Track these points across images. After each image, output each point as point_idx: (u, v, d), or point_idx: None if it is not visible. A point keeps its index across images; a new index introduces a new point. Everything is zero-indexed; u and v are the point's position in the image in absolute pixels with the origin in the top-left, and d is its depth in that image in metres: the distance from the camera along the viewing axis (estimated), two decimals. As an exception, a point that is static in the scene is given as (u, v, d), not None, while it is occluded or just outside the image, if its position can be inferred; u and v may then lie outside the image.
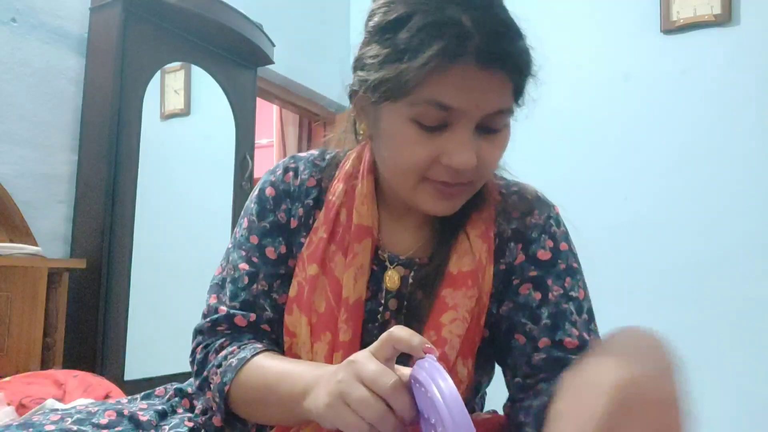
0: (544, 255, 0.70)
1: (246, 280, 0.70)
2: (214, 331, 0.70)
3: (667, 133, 2.45)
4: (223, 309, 0.70)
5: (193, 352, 0.70)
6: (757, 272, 2.23)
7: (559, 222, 0.74)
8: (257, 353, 0.65)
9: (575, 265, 0.71)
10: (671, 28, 2.47)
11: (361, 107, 0.67)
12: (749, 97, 2.32)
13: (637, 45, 2.55)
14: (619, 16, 2.60)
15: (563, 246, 0.71)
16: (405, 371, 0.50)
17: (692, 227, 2.35)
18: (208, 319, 0.70)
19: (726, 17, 2.37)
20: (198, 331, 0.71)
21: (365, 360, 0.49)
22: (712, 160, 2.36)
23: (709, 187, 2.35)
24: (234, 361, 0.65)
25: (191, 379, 0.79)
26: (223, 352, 0.67)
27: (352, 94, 0.66)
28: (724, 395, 2.22)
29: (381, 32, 0.60)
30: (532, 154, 2.68)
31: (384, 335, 0.50)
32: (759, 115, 2.30)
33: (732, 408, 2.20)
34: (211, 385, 0.66)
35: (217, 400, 0.65)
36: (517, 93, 0.62)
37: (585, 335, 0.66)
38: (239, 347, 0.67)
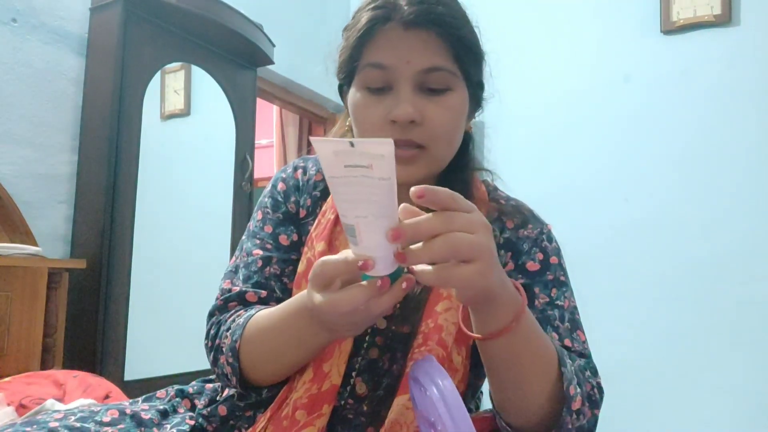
0: (533, 266, 0.73)
1: (259, 263, 0.75)
2: (226, 308, 0.74)
3: (667, 133, 2.46)
4: (236, 288, 0.74)
5: (208, 333, 0.73)
6: (758, 273, 2.23)
7: (551, 238, 0.77)
8: (261, 310, 0.68)
9: (563, 278, 0.74)
10: (671, 29, 2.47)
11: (345, 102, 0.76)
12: (749, 98, 2.32)
13: (637, 46, 2.55)
14: (619, 17, 2.60)
15: (553, 260, 0.74)
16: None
17: (693, 228, 2.35)
18: (221, 298, 0.74)
19: (726, 17, 2.37)
20: (211, 314, 0.74)
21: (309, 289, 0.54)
22: (713, 160, 2.36)
23: (710, 188, 2.35)
24: (241, 320, 0.68)
25: (193, 381, 0.80)
26: (232, 317, 0.71)
27: (339, 92, 0.78)
28: (724, 396, 2.22)
29: (346, 29, 0.73)
30: (532, 155, 2.69)
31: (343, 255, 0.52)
32: (759, 115, 2.30)
33: (732, 409, 2.20)
34: (224, 349, 0.68)
35: (230, 360, 0.67)
36: (459, 59, 0.68)
37: (567, 342, 0.68)
38: (246, 310, 0.71)
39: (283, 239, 0.76)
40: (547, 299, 0.71)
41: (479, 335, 0.56)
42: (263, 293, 0.73)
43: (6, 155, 1.70)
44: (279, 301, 0.73)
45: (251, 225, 0.79)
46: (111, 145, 1.81)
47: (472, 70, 0.70)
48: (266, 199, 0.80)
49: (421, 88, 0.67)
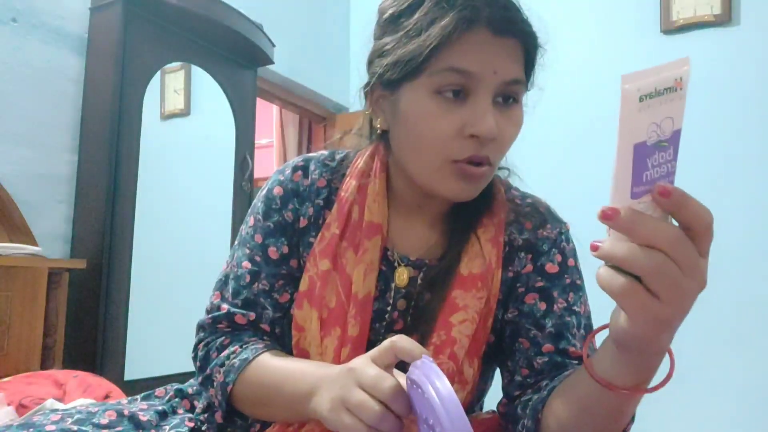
0: (552, 268, 0.71)
1: (248, 278, 0.71)
2: (215, 329, 0.72)
3: (667, 133, 2.45)
4: (225, 307, 0.71)
5: (196, 348, 0.72)
6: (758, 272, 2.23)
7: (569, 239, 0.75)
8: (259, 354, 0.66)
9: (579, 282, 0.73)
10: (671, 29, 2.47)
11: (376, 101, 0.68)
12: (749, 97, 2.32)
13: (637, 45, 2.55)
14: (618, 17, 2.60)
15: (570, 262, 0.73)
16: (402, 376, 0.52)
17: (692, 227, 2.35)
18: (209, 316, 0.72)
19: (726, 17, 2.37)
20: (200, 327, 0.73)
21: (364, 366, 0.51)
22: (712, 160, 2.36)
23: (710, 188, 2.35)
24: (236, 361, 0.66)
25: (191, 380, 0.79)
26: (225, 352, 0.68)
27: (367, 91, 0.69)
28: (724, 396, 2.22)
29: (395, 21, 0.64)
30: (532, 155, 2.68)
31: (386, 343, 0.51)
32: (759, 115, 2.30)
33: (732, 409, 2.20)
34: (215, 383, 0.68)
35: (219, 398, 0.67)
36: (528, 68, 0.65)
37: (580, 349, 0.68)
38: (241, 347, 0.68)
39: (272, 252, 0.72)
40: (565, 304, 0.69)
41: (622, 387, 0.49)
42: (252, 315, 0.70)
43: (6, 155, 1.70)
44: (269, 321, 0.71)
45: (243, 230, 0.75)
46: (111, 145, 1.81)
47: (533, 75, 0.68)
48: (259, 204, 0.74)
49: (495, 98, 0.62)
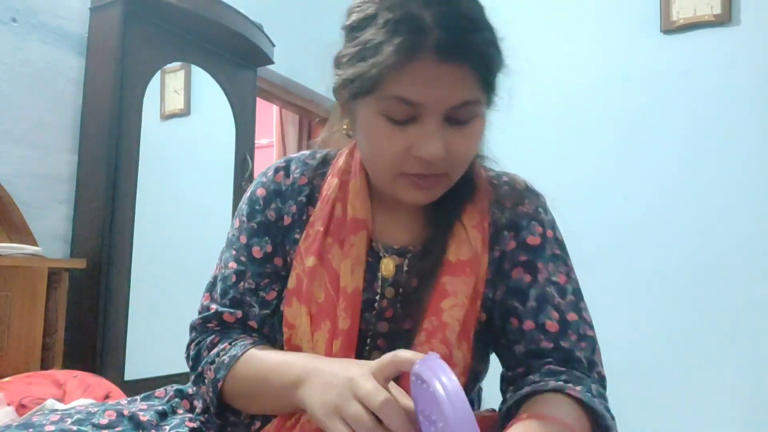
0: (533, 240, 0.74)
1: (234, 278, 0.74)
2: (205, 328, 0.74)
3: (667, 133, 2.45)
4: (213, 307, 0.73)
5: (188, 347, 0.75)
6: (758, 273, 2.23)
7: (546, 209, 0.77)
8: (247, 350, 0.68)
9: (557, 251, 0.74)
10: (671, 28, 2.47)
11: (343, 104, 0.70)
12: (749, 97, 2.32)
13: (637, 45, 2.55)
14: (619, 17, 2.60)
15: (549, 233, 0.75)
16: (399, 390, 0.54)
17: (692, 228, 2.35)
18: (199, 317, 0.74)
19: (726, 17, 2.37)
20: (192, 327, 0.75)
21: (362, 379, 0.53)
22: (713, 160, 2.36)
23: (710, 188, 2.35)
24: (226, 358, 0.68)
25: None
26: (215, 350, 0.70)
27: (335, 92, 0.70)
28: (724, 396, 2.22)
29: (352, 31, 0.64)
30: (532, 154, 2.69)
31: (388, 356, 0.53)
32: (759, 115, 2.30)
33: (732, 409, 2.20)
34: (206, 380, 0.70)
35: (210, 394, 0.69)
36: (487, 85, 0.63)
37: (568, 316, 0.69)
38: (230, 344, 0.70)
39: (256, 251, 0.74)
40: (546, 275, 0.71)
41: None
42: (239, 314, 0.73)
43: (6, 155, 1.70)
44: (257, 318, 0.73)
45: (230, 233, 0.77)
46: (111, 145, 1.81)
47: (496, 89, 0.66)
48: (243, 206, 0.76)
49: (448, 118, 0.62)
